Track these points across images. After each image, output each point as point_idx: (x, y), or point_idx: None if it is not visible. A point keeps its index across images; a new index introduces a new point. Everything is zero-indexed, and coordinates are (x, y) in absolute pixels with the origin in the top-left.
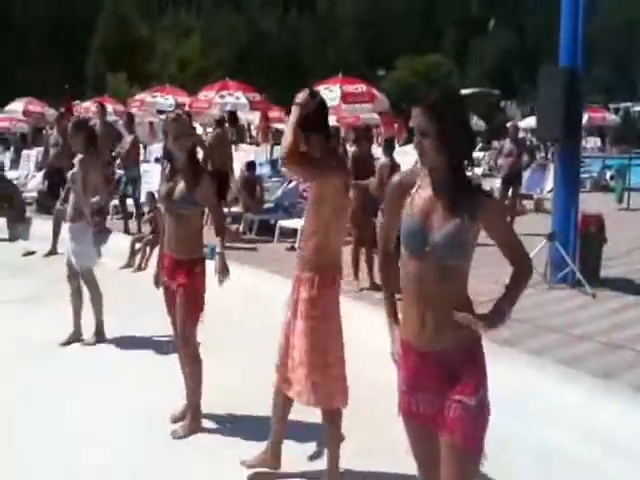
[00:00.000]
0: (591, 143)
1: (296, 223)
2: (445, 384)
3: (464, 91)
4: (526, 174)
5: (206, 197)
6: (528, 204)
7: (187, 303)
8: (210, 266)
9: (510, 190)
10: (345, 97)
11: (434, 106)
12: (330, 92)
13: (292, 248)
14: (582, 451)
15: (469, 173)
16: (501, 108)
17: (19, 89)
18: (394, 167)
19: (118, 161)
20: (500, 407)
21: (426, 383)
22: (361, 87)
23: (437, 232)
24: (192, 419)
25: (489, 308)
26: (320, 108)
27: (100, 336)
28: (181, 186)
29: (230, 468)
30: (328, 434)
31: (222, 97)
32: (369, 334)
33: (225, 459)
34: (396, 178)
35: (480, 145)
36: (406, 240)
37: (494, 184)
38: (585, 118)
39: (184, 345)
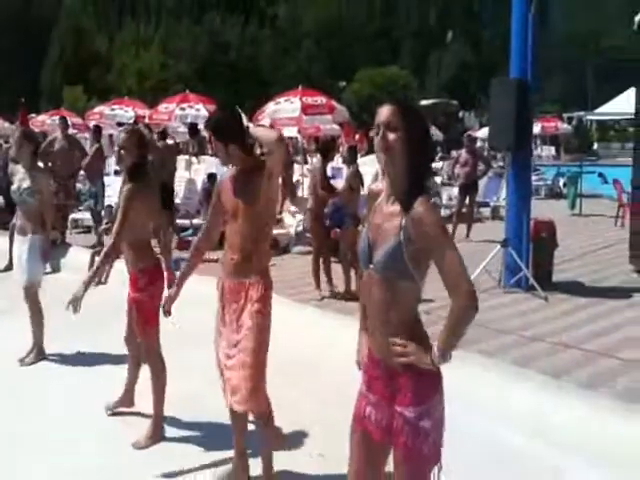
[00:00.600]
0: (546, 152)
1: None
2: (391, 392)
3: (423, 102)
4: (483, 183)
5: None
6: (485, 211)
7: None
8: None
9: (467, 198)
10: (305, 109)
11: (405, 105)
12: (291, 104)
13: None
14: (531, 448)
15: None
16: (460, 118)
17: None
18: (359, 174)
19: (81, 173)
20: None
21: (376, 388)
22: (321, 99)
23: (379, 249)
24: (155, 428)
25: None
26: (236, 118)
27: (41, 354)
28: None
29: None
30: (266, 436)
31: (182, 109)
32: (333, 340)
33: (188, 466)
34: (370, 187)
35: (440, 155)
36: (358, 255)
37: (452, 192)
38: (538, 128)
39: (147, 356)
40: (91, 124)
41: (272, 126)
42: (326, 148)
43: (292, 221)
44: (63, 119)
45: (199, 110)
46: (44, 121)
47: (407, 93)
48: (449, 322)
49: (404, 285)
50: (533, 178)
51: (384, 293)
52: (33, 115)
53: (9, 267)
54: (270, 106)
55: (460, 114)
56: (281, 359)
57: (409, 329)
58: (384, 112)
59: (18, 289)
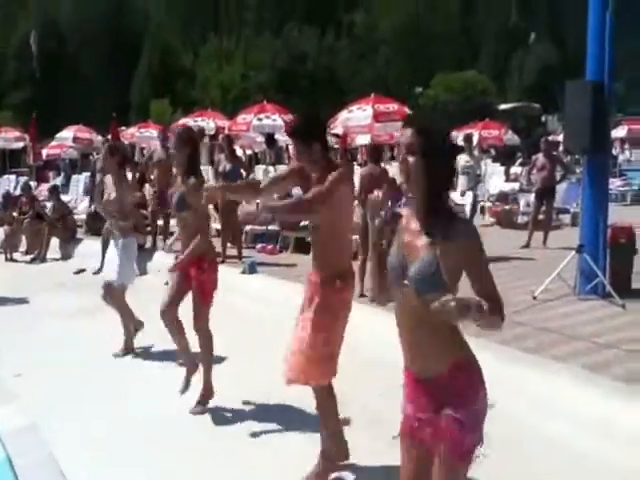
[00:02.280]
0: (636, 156)
1: None
2: (438, 408)
3: (503, 106)
4: (562, 188)
5: None
6: (565, 218)
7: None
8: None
9: (544, 204)
10: (377, 116)
11: (426, 129)
12: (363, 112)
13: None
14: (596, 449)
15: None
16: (542, 122)
17: (69, 116)
18: (380, 175)
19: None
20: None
21: (422, 407)
22: (392, 106)
23: (412, 266)
24: (205, 389)
25: (521, 318)
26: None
27: (130, 349)
28: None
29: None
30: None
31: (260, 120)
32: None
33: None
34: (399, 210)
35: (520, 160)
36: (390, 273)
37: (530, 199)
38: (624, 130)
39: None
40: None
41: (345, 135)
42: (375, 153)
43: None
44: (163, 132)
45: (276, 120)
46: (133, 134)
47: (485, 98)
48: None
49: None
50: (618, 183)
51: (420, 308)
52: (123, 128)
53: (102, 269)
54: (343, 114)
55: (542, 118)
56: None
57: (446, 339)
58: (405, 135)
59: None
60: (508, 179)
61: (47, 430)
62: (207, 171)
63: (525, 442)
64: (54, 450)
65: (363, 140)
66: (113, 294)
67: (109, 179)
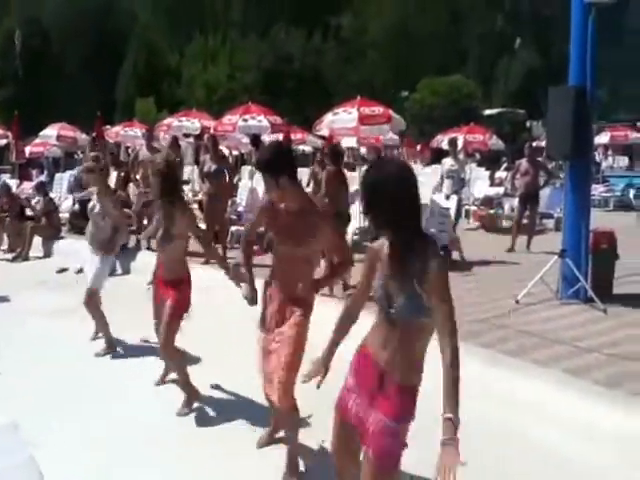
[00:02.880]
0: (620, 162)
1: None
2: (376, 394)
3: (488, 111)
4: (546, 193)
5: None
6: (549, 223)
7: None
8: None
9: (528, 209)
10: (362, 119)
11: (373, 186)
12: (348, 114)
13: None
14: (579, 453)
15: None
16: (527, 128)
17: (53, 114)
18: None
19: None
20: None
21: (363, 383)
22: (378, 109)
23: (398, 299)
24: (189, 395)
25: (504, 322)
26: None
27: (111, 347)
28: None
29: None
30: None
31: (245, 120)
32: None
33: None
34: (371, 245)
35: (505, 165)
36: (377, 302)
37: (514, 203)
38: (607, 137)
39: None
40: (162, 135)
41: (331, 137)
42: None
43: (349, 230)
44: (148, 132)
45: (261, 121)
46: (118, 132)
47: (471, 102)
48: (449, 385)
49: (425, 322)
50: (601, 189)
51: (407, 332)
52: (108, 127)
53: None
54: (328, 117)
55: (527, 123)
56: None
57: (420, 355)
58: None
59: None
60: (493, 184)
61: (27, 429)
62: (192, 171)
63: (505, 445)
64: (34, 450)
65: (349, 143)
66: (86, 296)
67: (94, 190)
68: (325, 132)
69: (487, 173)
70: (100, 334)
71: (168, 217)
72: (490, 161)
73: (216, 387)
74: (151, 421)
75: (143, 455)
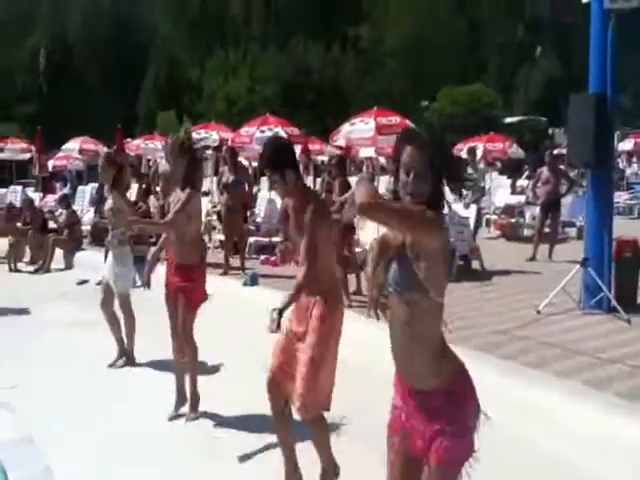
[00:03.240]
0: None
1: None
2: (427, 419)
3: (509, 119)
4: (569, 201)
5: None
6: (571, 231)
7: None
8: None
9: (549, 217)
10: (379, 129)
11: (427, 146)
12: (365, 124)
13: None
14: (595, 466)
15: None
16: (549, 135)
17: (75, 127)
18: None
19: None
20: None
21: (412, 415)
22: (395, 119)
23: (390, 271)
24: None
25: (525, 333)
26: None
27: (130, 360)
28: None
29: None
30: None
31: (262, 132)
32: None
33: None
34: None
35: (527, 173)
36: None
37: (535, 212)
38: (631, 144)
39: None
40: None
41: (348, 147)
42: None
43: (367, 239)
44: (166, 144)
45: (278, 133)
46: (139, 145)
47: (491, 111)
48: None
49: (421, 301)
50: (626, 196)
51: (403, 311)
52: (129, 140)
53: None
54: (345, 127)
55: (549, 131)
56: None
57: (435, 353)
58: (407, 154)
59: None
60: (514, 192)
61: (43, 442)
62: (212, 182)
63: (522, 457)
64: (50, 462)
65: (367, 153)
66: (119, 301)
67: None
68: (342, 142)
69: (509, 181)
70: None
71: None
72: (512, 169)
73: (218, 390)
74: (161, 437)
75: (147, 471)
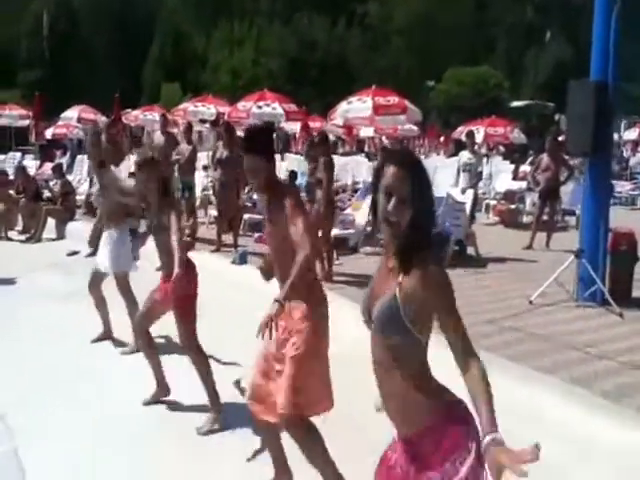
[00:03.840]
0: None
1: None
2: (414, 466)
3: (515, 103)
4: (569, 189)
5: None
6: (571, 220)
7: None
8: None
9: (548, 205)
10: (377, 109)
11: (411, 166)
12: (363, 103)
13: None
14: (581, 469)
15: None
16: (555, 121)
17: (79, 96)
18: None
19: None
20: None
21: (402, 460)
22: (393, 99)
23: (377, 305)
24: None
25: (514, 324)
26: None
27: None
28: None
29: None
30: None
31: (259, 107)
32: None
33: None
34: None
35: (531, 159)
36: (362, 313)
37: (536, 198)
38: (636, 132)
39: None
40: (180, 121)
41: (349, 126)
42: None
43: (362, 220)
44: (164, 116)
45: (275, 109)
46: (137, 116)
47: (498, 93)
48: (481, 403)
49: (406, 344)
50: (629, 187)
51: (385, 353)
52: (128, 110)
53: (94, 252)
54: (343, 105)
55: (556, 117)
56: None
57: (419, 391)
58: (389, 176)
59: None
60: (516, 177)
61: (14, 418)
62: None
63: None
64: (19, 443)
65: (367, 133)
66: (118, 284)
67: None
68: (339, 121)
69: (511, 167)
70: None
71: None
72: (517, 154)
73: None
74: (143, 417)
75: (130, 453)
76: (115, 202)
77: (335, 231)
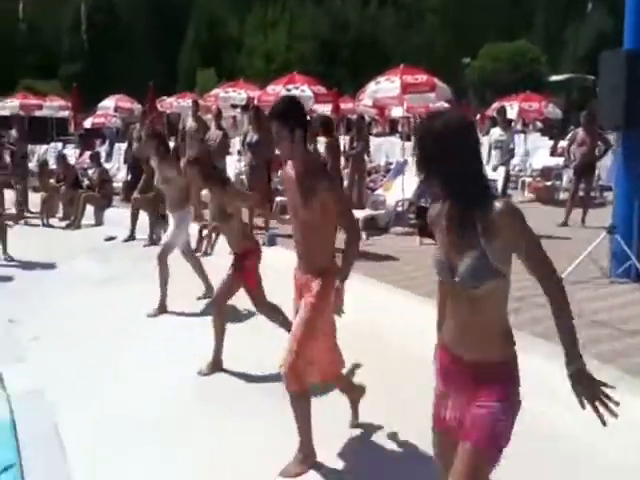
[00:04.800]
0: None
1: (357, 213)
2: (471, 392)
3: (555, 77)
4: (607, 164)
5: None
6: (609, 195)
7: None
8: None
9: (583, 181)
10: (405, 87)
11: (441, 130)
12: (391, 83)
13: None
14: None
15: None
16: (596, 95)
17: (117, 85)
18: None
19: None
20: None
21: (454, 385)
22: (421, 77)
23: (461, 264)
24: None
25: (543, 300)
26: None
27: (161, 308)
28: None
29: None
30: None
31: (288, 90)
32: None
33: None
34: (428, 218)
35: (570, 134)
36: (436, 271)
37: (571, 174)
38: None
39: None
40: (213, 107)
41: (380, 107)
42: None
43: (393, 201)
44: (195, 102)
45: (304, 91)
46: (172, 103)
47: (535, 68)
48: (562, 305)
49: (495, 285)
50: None
51: (472, 303)
52: (164, 98)
53: (131, 237)
54: (371, 86)
55: (597, 90)
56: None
57: (499, 325)
58: (419, 138)
59: (136, 257)
60: (554, 153)
61: (55, 398)
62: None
63: (526, 433)
64: (58, 420)
65: (396, 113)
66: (160, 250)
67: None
68: (368, 102)
69: (549, 143)
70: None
71: None
72: (556, 129)
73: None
74: (187, 392)
75: (164, 431)
76: (178, 191)
77: (366, 211)
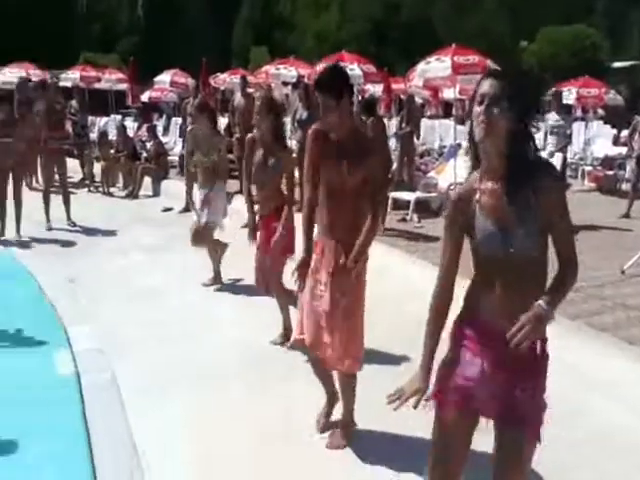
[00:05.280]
0: None
1: (409, 195)
2: (519, 372)
3: (617, 64)
4: None
5: None
6: None
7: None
8: None
9: None
10: (456, 68)
11: (508, 76)
12: (441, 63)
13: (403, 219)
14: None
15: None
16: None
17: (174, 60)
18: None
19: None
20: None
21: (493, 364)
22: (473, 58)
23: (517, 231)
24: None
25: (602, 293)
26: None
27: (217, 279)
28: None
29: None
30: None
31: None
32: None
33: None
34: (454, 194)
35: (634, 123)
36: (486, 247)
37: (633, 164)
38: None
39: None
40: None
41: (434, 88)
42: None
43: (445, 184)
44: (243, 78)
45: (353, 70)
46: (224, 79)
47: (597, 53)
48: (555, 285)
49: (544, 252)
50: None
51: (524, 270)
52: (218, 74)
53: (187, 208)
54: (421, 65)
55: None
56: None
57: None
58: (488, 85)
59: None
60: (617, 142)
61: (112, 352)
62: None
63: (578, 426)
64: (116, 371)
65: (448, 94)
66: (203, 231)
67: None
68: (419, 82)
69: (612, 131)
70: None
71: None
72: (621, 117)
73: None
74: (230, 358)
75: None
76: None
77: (417, 194)
